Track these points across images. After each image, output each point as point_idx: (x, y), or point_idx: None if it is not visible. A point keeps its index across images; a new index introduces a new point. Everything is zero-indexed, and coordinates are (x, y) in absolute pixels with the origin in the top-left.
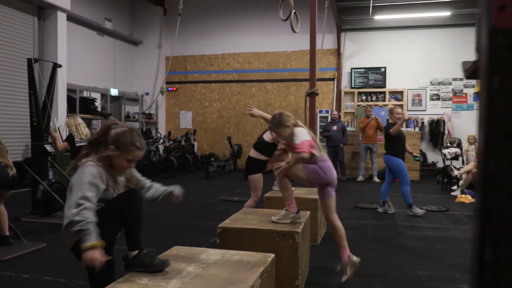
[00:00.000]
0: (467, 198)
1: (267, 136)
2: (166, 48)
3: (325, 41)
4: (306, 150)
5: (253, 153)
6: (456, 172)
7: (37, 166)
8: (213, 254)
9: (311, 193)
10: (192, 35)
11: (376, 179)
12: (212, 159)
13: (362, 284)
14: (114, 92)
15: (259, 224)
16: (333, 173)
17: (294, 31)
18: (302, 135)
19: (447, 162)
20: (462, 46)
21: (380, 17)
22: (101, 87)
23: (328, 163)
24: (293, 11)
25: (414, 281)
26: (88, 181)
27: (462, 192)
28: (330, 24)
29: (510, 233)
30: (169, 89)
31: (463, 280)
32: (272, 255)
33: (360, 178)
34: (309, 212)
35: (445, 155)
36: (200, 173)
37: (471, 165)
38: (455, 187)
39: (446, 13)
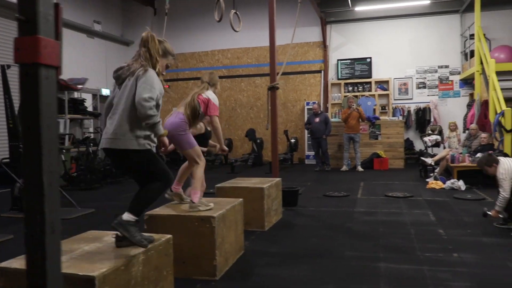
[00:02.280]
0: (438, 184)
1: None
2: None
3: (311, 34)
4: None
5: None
6: (429, 161)
7: (14, 165)
8: None
9: (260, 182)
10: (182, 33)
11: (360, 169)
12: (204, 153)
13: (291, 265)
14: (106, 92)
15: (184, 211)
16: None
17: (235, 31)
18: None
19: (429, 150)
20: (447, 33)
21: (360, 8)
22: (92, 87)
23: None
24: (233, 11)
25: (337, 261)
26: (154, 84)
27: (435, 179)
28: (314, 17)
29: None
30: None
31: (383, 258)
32: (168, 236)
33: (344, 168)
34: (241, 199)
35: (425, 142)
36: None
37: (444, 152)
38: (431, 174)
39: (425, 2)
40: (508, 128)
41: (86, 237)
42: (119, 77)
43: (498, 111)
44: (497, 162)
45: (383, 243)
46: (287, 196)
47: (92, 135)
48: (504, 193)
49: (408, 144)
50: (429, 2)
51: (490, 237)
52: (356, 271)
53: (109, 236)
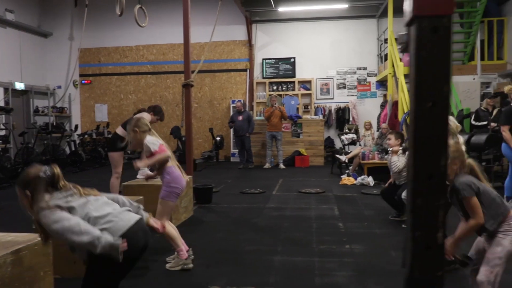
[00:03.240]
0: (350, 180)
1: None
2: (78, 40)
3: (237, 32)
4: (166, 151)
5: (119, 130)
6: (343, 158)
7: None
8: None
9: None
10: (105, 26)
11: (282, 166)
12: (129, 151)
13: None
14: (19, 86)
15: None
16: (182, 182)
17: (140, 26)
18: (156, 141)
19: (346, 148)
20: (365, 36)
21: (283, 9)
22: (4, 81)
23: (174, 175)
24: (138, 6)
25: (236, 255)
26: None
27: (348, 175)
28: (240, 16)
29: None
30: (83, 81)
31: (280, 252)
32: None
33: (267, 165)
34: (140, 197)
35: (343, 141)
36: None
37: (357, 150)
38: (347, 171)
39: (343, 6)
40: None
41: None
42: None
43: (405, 111)
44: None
45: (283, 237)
46: (200, 193)
47: (3, 132)
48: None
49: (329, 142)
50: (347, 6)
51: (382, 228)
52: (251, 265)
53: None
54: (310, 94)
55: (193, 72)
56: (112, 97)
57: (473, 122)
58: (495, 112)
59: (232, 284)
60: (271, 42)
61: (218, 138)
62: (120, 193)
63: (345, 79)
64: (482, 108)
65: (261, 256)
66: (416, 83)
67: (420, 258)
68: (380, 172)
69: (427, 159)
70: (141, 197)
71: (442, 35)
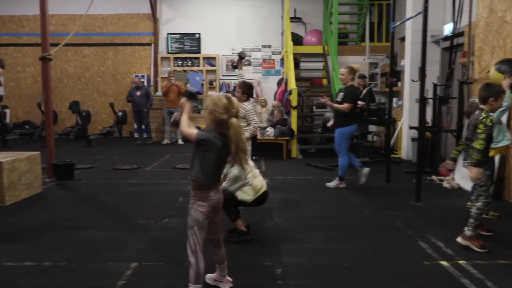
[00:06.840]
0: None
1: None
2: None
3: (141, 5)
4: None
5: None
6: None
7: None
8: None
9: (5, 157)
10: None
11: (180, 142)
12: (27, 126)
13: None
14: None
15: None
16: None
17: None
18: None
19: None
20: (270, 15)
21: None
22: None
23: None
24: None
25: (46, 231)
26: None
27: None
28: None
29: None
30: None
31: (95, 227)
32: None
33: (165, 141)
34: None
35: None
36: (9, 142)
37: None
38: None
39: None
40: (294, 105)
41: None
42: None
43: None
44: None
45: (112, 213)
46: (59, 169)
47: None
48: None
49: None
50: None
51: None
52: (52, 242)
53: None
54: (215, 71)
55: (72, 45)
56: (8, 69)
57: None
58: (364, 91)
59: (11, 260)
60: (177, 17)
61: (120, 114)
62: None
63: (251, 56)
64: None
65: (71, 232)
66: None
67: None
68: (260, 148)
69: None
70: None
71: None
